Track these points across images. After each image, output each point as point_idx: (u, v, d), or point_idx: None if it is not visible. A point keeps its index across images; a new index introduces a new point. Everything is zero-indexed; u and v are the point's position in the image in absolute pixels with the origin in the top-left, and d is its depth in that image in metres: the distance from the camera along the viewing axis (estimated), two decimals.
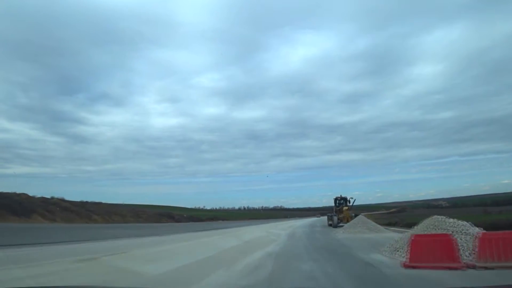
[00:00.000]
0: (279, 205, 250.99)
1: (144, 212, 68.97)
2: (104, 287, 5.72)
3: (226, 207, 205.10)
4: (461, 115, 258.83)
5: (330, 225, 34.03)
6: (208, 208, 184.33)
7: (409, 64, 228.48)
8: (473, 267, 7.90)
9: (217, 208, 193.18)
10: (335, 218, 32.61)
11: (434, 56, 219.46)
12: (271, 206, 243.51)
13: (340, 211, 33.98)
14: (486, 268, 7.73)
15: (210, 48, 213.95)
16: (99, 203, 61.40)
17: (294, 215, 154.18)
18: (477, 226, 10.46)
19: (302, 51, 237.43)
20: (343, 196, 36.59)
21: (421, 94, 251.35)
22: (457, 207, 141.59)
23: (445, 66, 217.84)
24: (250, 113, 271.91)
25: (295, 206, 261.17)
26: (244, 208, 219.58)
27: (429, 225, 10.90)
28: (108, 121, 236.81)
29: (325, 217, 40.56)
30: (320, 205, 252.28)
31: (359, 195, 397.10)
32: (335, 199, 36.92)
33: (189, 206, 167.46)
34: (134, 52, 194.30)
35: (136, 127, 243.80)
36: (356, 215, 29.34)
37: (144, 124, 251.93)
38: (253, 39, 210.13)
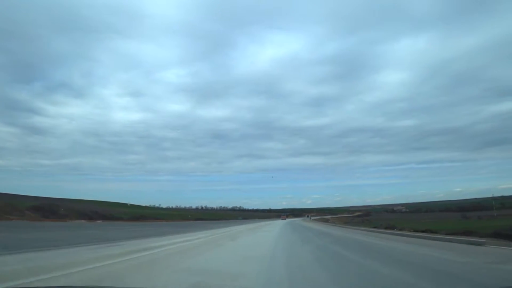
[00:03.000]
0: (239, 206, 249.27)
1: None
2: (104, 287, 5.26)
3: (183, 206, 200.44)
4: (421, 124, 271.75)
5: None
6: (164, 206, 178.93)
7: (375, 71, 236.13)
8: None
9: (173, 207, 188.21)
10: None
11: (400, 65, 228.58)
12: (230, 206, 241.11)
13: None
14: None
15: (177, 42, 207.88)
16: None
17: (254, 216, 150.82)
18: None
19: (270, 51, 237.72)
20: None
21: (385, 101, 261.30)
22: (415, 212, 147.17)
23: (409, 75, 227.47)
24: (215, 112, 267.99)
25: (256, 208, 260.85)
26: (202, 208, 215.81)
27: None
28: (66, 113, 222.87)
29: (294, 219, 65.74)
30: (280, 207, 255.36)
31: (319, 198, 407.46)
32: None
33: (144, 204, 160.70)
34: (97, 42, 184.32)
35: (96, 120, 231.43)
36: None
37: (104, 118, 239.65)
38: (221, 35, 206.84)
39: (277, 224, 50.28)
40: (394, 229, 26.07)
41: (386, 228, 29.84)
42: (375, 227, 32.76)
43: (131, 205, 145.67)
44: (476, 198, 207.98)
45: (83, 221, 49.77)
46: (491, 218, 57.91)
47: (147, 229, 30.90)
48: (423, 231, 20.13)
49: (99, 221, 51.92)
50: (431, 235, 17.19)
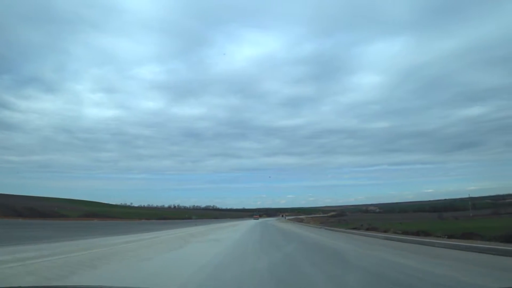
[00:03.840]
0: (212, 205, 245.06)
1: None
2: (104, 287, 5.18)
3: (156, 205, 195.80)
4: (394, 126, 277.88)
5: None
6: (136, 205, 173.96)
7: (350, 73, 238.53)
8: None
9: (145, 205, 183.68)
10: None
11: (375, 67, 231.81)
12: (204, 205, 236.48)
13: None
14: None
15: (153, 38, 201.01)
16: None
17: (227, 216, 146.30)
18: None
19: (247, 50, 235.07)
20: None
21: (359, 103, 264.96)
22: (388, 212, 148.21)
23: (383, 78, 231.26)
24: (190, 110, 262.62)
25: (230, 207, 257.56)
26: (175, 207, 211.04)
27: None
28: (37, 108, 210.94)
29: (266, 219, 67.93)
30: (255, 207, 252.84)
31: (293, 198, 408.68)
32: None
33: (114, 203, 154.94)
34: (70, 35, 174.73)
35: (68, 116, 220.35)
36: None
37: (77, 114, 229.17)
38: (198, 33, 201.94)
39: (245, 225, 43.14)
40: (377, 231, 23.24)
41: (367, 229, 27.06)
42: (354, 228, 30.01)
43: (99, 203, 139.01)
44: (446, 199, 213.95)
45: None
46: (468, 218, 57.46)
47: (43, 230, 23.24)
48: (415, 234, 17.26)
49: (20, 219, 44.18)
50: (440, 241, 13.04)
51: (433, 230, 20.02)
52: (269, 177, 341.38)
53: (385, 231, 21.10)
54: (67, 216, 52.57)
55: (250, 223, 56.46)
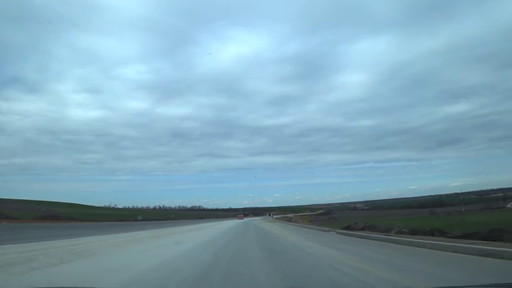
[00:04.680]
0: (198, 205, 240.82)
1: None
2: (104, 287, 4.95)
3: (140, 206, 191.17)
4: (379, 124, 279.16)
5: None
6: (120, 207, 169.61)
7: (335, 71, 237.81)
8: None
9: (130, 207, 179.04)
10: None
11: (360, 66, 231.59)
12: (189, 206, 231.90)
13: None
14: None
15: (137, 37, 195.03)
16: None
17: (211, 216, 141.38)
18: None
19: (233, 49, 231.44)
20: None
21: (345, 102, 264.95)
22: (376, 209, 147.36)
23: (368, 76, 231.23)
24: (176, 110, 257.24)
25: (216, 207, 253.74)
26: (160, 208, 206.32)
27: None
28: (18, 109, 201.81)
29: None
30: (241, 206, 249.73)
31: (280, 197, 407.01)
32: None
33: (99, 205, 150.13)
34: (52, 34, 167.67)
35: (51, 117, 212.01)
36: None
37: (60, 115, 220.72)
38: (183, 32, 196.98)
39: (221, 227, 34.29)
40: (378, 231, 20.12)
41: (363, 228, 23.98)
42: (348, 228, 26.76)
43: (79, 205, 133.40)
44: (431, 195, 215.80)
45: None
46: (461, 213, 56.00)
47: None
48: (428, 233, 14.22)
49: None
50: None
51: (445, 228, 17.15)
52: (255, 176, 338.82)
53: (387, 231, 17.98)
54: (14, 218, 47.14)
55: (230, 223, 46.63)
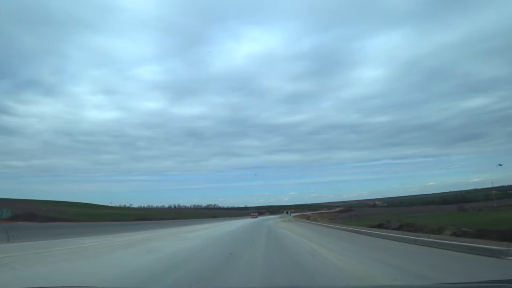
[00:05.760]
0: (214, 204, 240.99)
1: None
2: (104, 287, 5.03)
3: (156, 205, 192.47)
4: (395, 120, 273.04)
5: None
6: (136, 206, 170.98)
7: (350, 67, 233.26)
8: None
9: (145, 206, 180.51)
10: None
11: (375, 61, 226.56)
12: (205, 204, 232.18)
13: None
14: None
15: (151, 38, 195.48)
16: None
17: (226, 215, 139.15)
18: None
19: (246, 47, 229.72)
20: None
21: (360, 98, 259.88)
22: (396, 206, 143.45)
23: (384, 72, 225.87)
24: (190, 110, 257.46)
25: (232, 205, 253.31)
26: (175, 207, 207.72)
27: None
28: (36, 112, 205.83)
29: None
30: (257, 205, 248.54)
31: (295, 195, 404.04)
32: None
33: (114, 205, 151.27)
34: (67, 37, 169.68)
35: (68, 119, 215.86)
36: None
37: (77, 117, 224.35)
38: (196, 31, 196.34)
39: (228, 227, 29.58)
40: (422, 230, 17.98)
41: (398, 228, 21.78)
42: (380, 226, 24.41)
43: (95, 205, 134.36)
44: (450, 192, 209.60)
45: None
46: (494, 209, 52.92)
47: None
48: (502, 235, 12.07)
49: None
50: None
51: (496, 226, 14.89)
52: (255, 174, 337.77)
53: (437, 231, 15.67)
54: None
55: (236, 224, 37.74)
